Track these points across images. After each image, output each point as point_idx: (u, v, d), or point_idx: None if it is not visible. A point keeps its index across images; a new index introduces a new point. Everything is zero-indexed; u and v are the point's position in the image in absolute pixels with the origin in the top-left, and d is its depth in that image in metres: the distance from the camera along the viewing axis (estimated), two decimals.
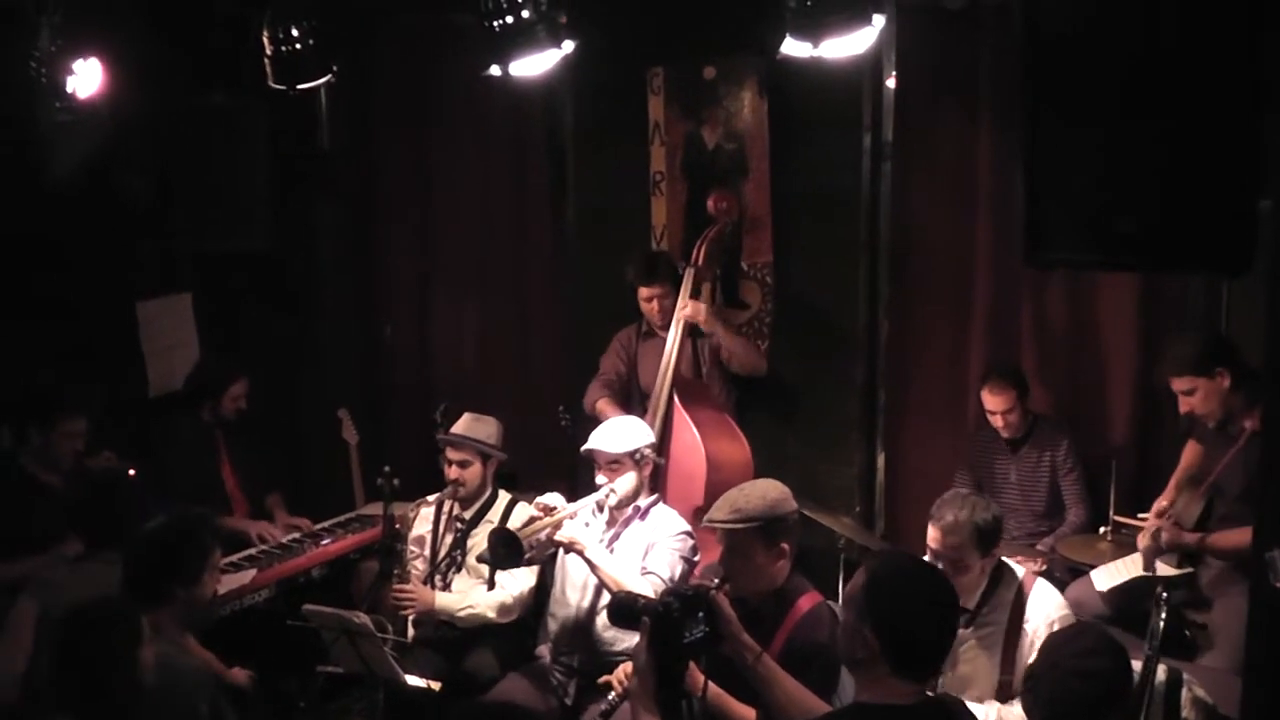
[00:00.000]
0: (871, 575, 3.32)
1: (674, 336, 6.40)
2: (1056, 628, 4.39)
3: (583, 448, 5.44)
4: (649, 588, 5.12)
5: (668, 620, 3.49)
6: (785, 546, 4.59)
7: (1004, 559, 4.69)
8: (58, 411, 5.85)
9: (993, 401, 6.12)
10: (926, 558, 4.68)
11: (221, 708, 4.23)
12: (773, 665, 3.98)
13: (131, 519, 4.80)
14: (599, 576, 5.14)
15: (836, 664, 4.22)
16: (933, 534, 4.53)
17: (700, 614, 3.57)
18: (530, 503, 5.87)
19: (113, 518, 4.95)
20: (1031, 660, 3.88)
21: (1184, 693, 4.27)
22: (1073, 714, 3.36)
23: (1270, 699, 3.76)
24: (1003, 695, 4.43)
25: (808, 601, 4.61)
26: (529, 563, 5.33)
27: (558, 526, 5.11)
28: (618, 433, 5.41)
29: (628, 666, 4.87)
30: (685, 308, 6.39)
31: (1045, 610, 4.50)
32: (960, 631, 4.55)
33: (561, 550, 5.25)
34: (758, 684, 3.95)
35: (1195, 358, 5.27)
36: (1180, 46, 3.24)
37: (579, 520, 5.27)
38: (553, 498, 5.26)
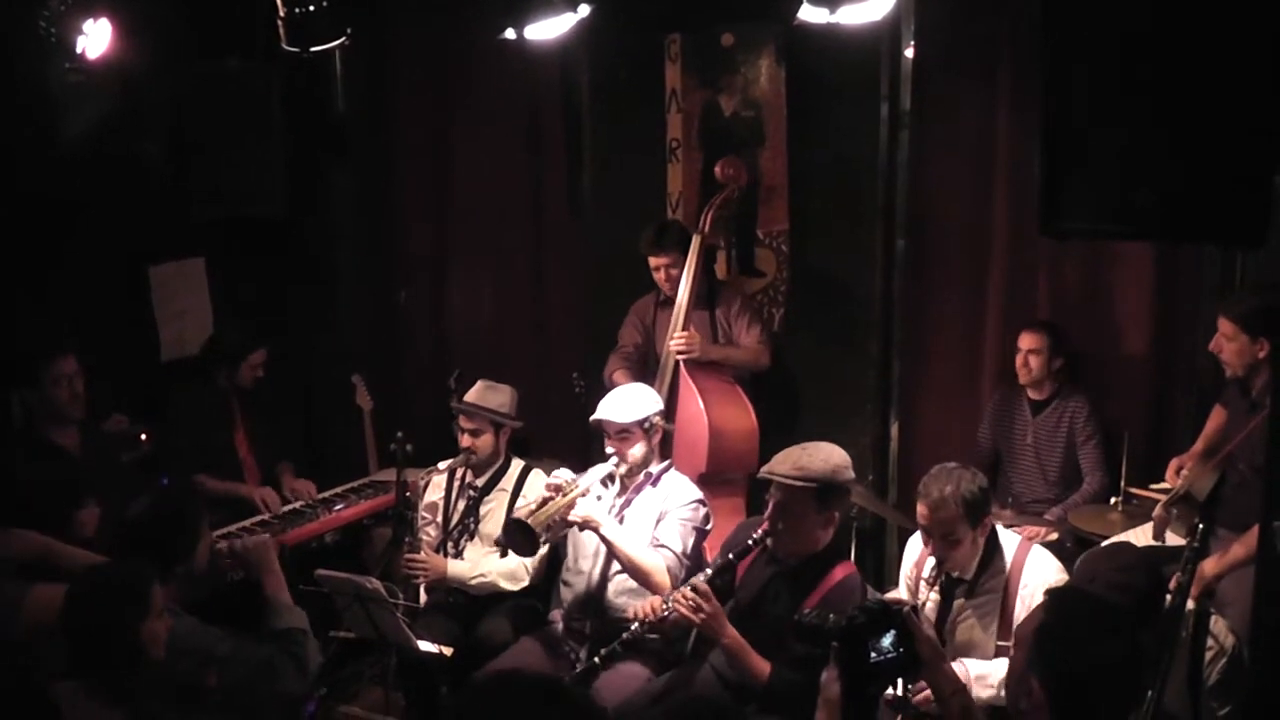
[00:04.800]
0: (1047, 617, 3.18)
1: (681, 303, 6.38)
2: None
3: (591, 418, 5.43)
4: (662, 561, 5.13)
5: (853, 636, 3.23)
6: (835, 514, 4.62)
7: (998, 527, 4.72)
8: (39, 362, 5.68)
9: (1026, 340, 6.10)
10: (917, 533, 4.72)
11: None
12: (978, 710, 3.59)
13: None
14: (614, 552, 5.15)
15: None
16: (921, 510, 4.56)
17: (892, 632, 3.24)
18: (544, 469, 5.90)
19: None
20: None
21: (1214, 620, 4.30)
22: (1106, 624, 3.26)
23: (1277, 667, 3.76)
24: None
25: (842, 571, 4.66)
26: (547, 544, 5.33)
27: (571, 505, 5.10)
28: (626, 402, 5.39)
29: (656, 600, 4.88)
30: (676, 339, 6.33)
31: (1041, 576, 4.54)
32: (957, 602, 4.58)
33: None
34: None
35: (1251, 313, 5.19)
36: (1201, 18, 3.22)
37: (590, 495, 5.27)
38: (562, 474, 5.26)
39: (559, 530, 5.29)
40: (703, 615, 4.60)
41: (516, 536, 5.06)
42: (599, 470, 5.34)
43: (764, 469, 4.71)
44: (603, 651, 4.87)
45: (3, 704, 3.77)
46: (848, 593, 4.56)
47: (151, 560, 4.20)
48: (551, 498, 5.12)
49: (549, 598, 5.76)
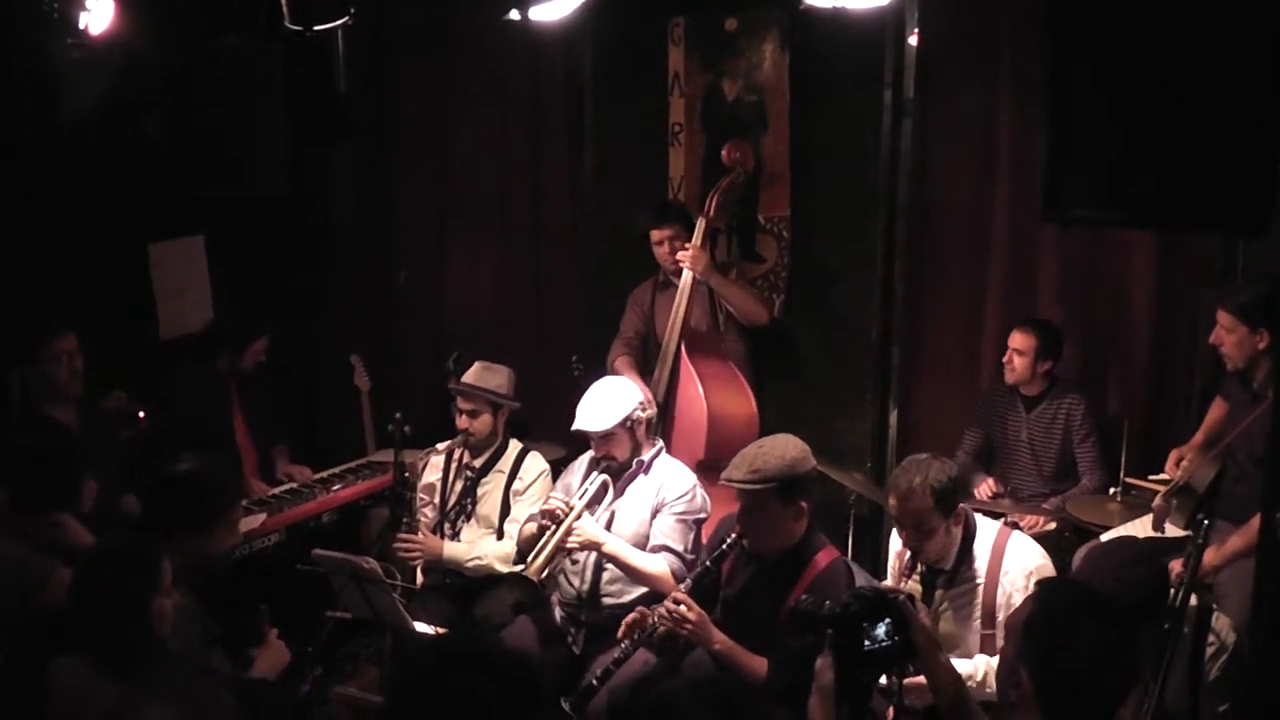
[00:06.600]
0: (1038, 607, 3.13)
1: (684, 287, 6.38)
2: (1034, 579, 4.39)
3: (573, 427, 5.40)
4: (666, 565, 5.13)
5: (846, 623, 3.17)
6: (804, 505, 4.60)
7: (977, 516, 4.69)
8: (39, 339, 5.65)
9: (1015, 339, 6.04)
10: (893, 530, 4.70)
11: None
12: (973, 701, 3.53)
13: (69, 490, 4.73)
14: (618, 565, 5.19)
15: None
16: (892, 502, 4.55)
17: (887, 620, 3.18)
18: (542, 451, 5.90)
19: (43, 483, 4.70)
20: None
21: (1216, 617, 4.29)
22: (1097, 616, 3.16)
23: (1277, 658, 3.75)
24: (987, 650, 4.44)
25: (825, 558, 4.63)
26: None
27: (569, 533, 5.12)
28: (602, 406, 5.34)
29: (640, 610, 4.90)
30: (689, 251, 6.36)
31: (1022, 562, 4.51)
32: (938, 593, 4.56)
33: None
34: (949, 714, 3.43)
35: (1249, 304, 5.19)
36: (1204, 6, 3.21)
37: (584, 505, 5.27)
38: (553, 501, 5.28)
39: (564, 559, 5.31)
40: (688, 626, 4.61)
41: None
42: (589, 486, 5.34)
43: (722, 476, 4.70)
44: (599, 673, 4.84)
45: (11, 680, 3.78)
46: (834, 577, 4.55)
47: (164, 520, 4.22)
48: (547, 527, 5.15)
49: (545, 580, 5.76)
